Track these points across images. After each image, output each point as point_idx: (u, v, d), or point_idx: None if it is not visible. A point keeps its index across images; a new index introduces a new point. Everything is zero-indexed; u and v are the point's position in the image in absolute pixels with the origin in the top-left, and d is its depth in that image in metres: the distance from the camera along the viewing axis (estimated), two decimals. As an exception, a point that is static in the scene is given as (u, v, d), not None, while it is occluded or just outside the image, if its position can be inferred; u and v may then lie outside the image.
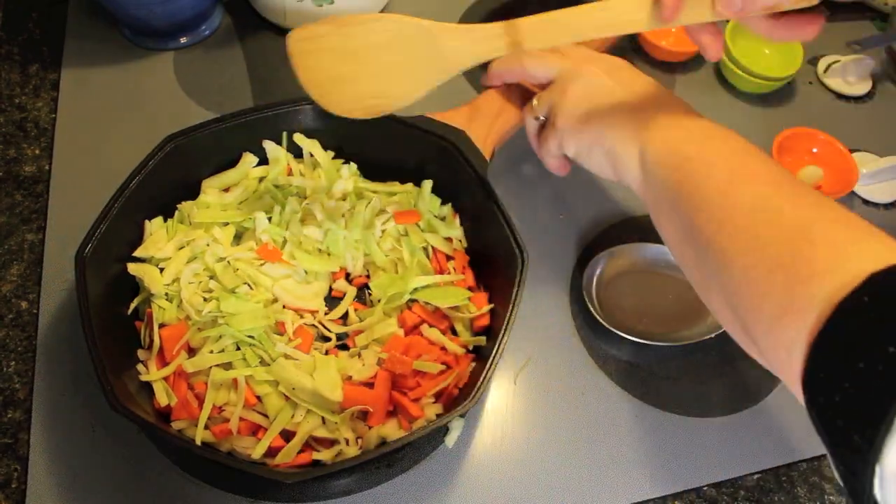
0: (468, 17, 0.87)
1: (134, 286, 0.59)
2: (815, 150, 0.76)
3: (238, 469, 0.49)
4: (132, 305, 0.58)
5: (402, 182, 0.67)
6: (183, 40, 0.80)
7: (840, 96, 0.85)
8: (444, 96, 0.60)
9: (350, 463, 0.49)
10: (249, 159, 0.65)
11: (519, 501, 0.57)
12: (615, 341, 0.64)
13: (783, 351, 0.39)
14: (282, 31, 0.82)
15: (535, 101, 0.60)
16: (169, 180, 0.61)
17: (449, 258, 0.63)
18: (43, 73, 0.77)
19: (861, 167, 0.76)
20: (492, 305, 0.60)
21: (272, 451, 0.52)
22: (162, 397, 0.54)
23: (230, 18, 0.84)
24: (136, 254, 0.59)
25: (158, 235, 0.60)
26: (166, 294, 0.57)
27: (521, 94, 0.65)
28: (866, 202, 0.77)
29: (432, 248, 0.63)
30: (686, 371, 0.64)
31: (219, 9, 0.83)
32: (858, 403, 0.33)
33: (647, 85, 0.55)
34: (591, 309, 0.65)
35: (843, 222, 0.40)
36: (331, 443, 0.53)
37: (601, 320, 0.64)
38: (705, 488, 0.59)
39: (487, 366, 0.53)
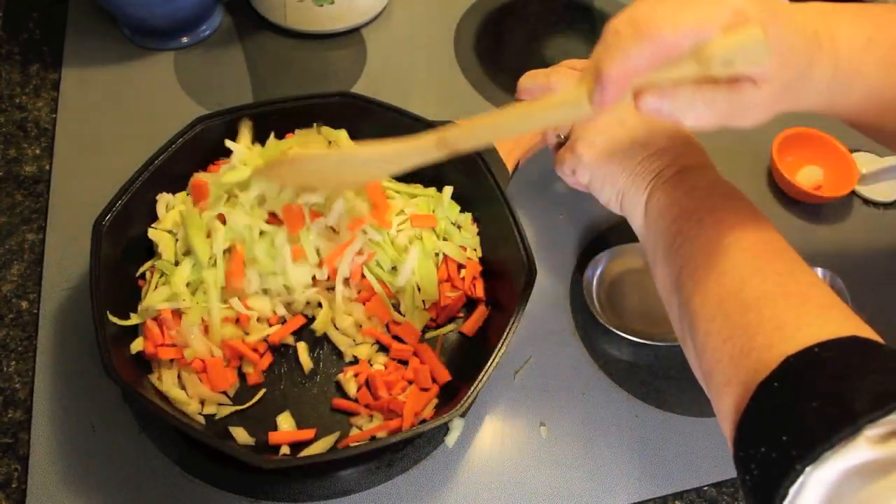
0: (468, 18, 0.87)
1: (145, 255, 0.61)
2: (815, 150, 0.76)
3: (220, 450, 0.50)
4: (141, 269, 0.60)
5: (425, 186, 0.67)
6: (183, 40, 0.80)
7: (840, 96, 0.85)
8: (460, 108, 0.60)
9: (329, 457, 0.52)
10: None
11: (519, 501, 0.57)
12: (615, 341, 0.64)
13: (723, 419, 0.41)
14: (282, 31, 0.83)
15: None
16: (197, 160, 0.63)
17: (461, 267, 0.64)
18: (43, 73, 0.77)
19: (861, 167, 0.76)
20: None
21: (261, 446, 0.54)
22: (139, 343, 0.56)
23: (230, 18, 0.84)
24: (155, 226, 0.61)
25: (177, 211, 0.61)
26: (176, 262, 0.59)
27: None
28: (866, 202, 0.77)
29: (444, 255, 0.64)
30: (686, 371, 0.64)
31: (219, 8, 0.83)
32: (759, 488, 0.35)
33: (668, 126, 0.55)
34: (591, 309, 0.65)
35: (800, 297, 0.41)
36: None
37: (601, 320, 0.64)
38: (705, 488, 0.59)
39: (485, 368, 0.53)
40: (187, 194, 0.63)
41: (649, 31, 0.37)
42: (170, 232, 0.60)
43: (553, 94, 0.44)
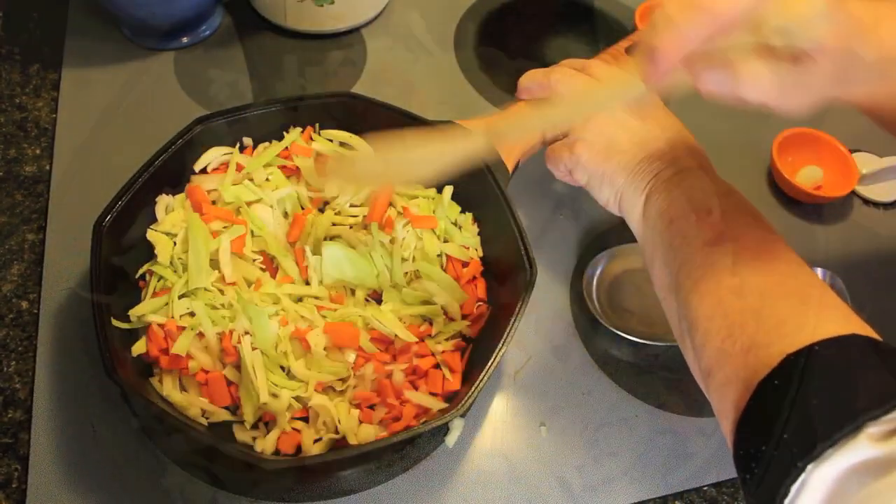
0: (468, 18, 0.87)
1: (146, 255, 0.60)
2: (815, 150, 0.76)
3: (222, 450, 0.50)
4: (140, 270, 0.59)
5: (425, 186, 0.67)
6: (183, 40, 0.80)
7: (840, 96, 0.85)
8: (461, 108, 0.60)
9: (330, 457, 0.51)
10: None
11: (519, 501, 0.57)
12: (615, 341, 0.64)
13: (723, 418, 0.41)
14: (282, 31, 0.83)
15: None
16: (197, 161, 0.63)
17: (464, 264, 0.63)
18: (43, 73, 0.77)
19: (861, 167, 0.76)
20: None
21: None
22: (141, 345, 0.55)
23: (230, 18, 0.84)
24: (154, 227, 0.60)
25: (179, 213, 0.61)
26: (171, 262, 0.59)
27: None
28: (866, 202, 0.77)
29: (446, 255, 0.63)
30: (686, 371, 0.64)
31: (219, 9, 0.83)
32: (761, 487, 0.35)
33: (668, 128, 0.55)
34: (591, 309, 0.65)
35: (800, 297, 0.41)
36: None
37: (601, 320, 0.64)
38: (705, 488, 0.59)
39: (485, 369, 0.53)
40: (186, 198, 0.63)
41: (702, 2, 0.35)
42: (168, 234, 0.60)
43: (603, 80, 0.43)
